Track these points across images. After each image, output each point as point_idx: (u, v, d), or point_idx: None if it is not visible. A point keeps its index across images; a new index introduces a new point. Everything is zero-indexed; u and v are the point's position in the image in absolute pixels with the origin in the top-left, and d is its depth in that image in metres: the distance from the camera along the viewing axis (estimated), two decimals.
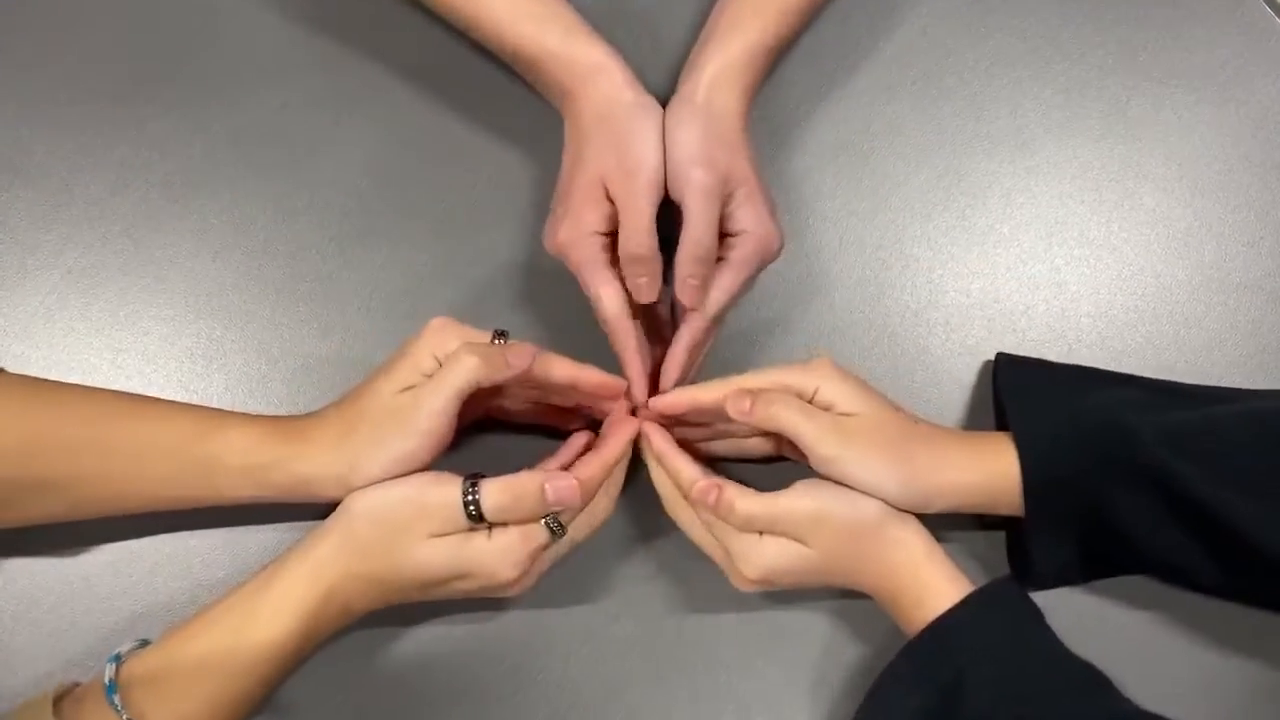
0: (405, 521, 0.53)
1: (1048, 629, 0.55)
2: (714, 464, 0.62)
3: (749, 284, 0.61)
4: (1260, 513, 0.54)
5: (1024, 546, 0.59)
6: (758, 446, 0.61)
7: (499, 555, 0.54)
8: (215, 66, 0.68)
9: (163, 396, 0.63)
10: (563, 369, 0.57)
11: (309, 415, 0.57)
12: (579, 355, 0.58)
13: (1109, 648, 0.56)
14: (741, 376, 0.58)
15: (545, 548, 0.55)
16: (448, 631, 0.61)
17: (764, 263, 0.60)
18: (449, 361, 0.54)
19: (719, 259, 0.59)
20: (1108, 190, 0.68)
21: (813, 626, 0.62)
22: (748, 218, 0.59)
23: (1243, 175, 0.68)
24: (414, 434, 0.53)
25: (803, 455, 0.56)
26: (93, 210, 0.66)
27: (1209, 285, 0.67)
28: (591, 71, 0.60)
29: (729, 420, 0.57)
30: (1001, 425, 0.63)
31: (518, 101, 0.67)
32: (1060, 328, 0.66)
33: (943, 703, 0.53)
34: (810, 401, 0.57)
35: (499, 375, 0.54)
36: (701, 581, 0.62)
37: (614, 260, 0.59)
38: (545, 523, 0.54)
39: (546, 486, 0.53)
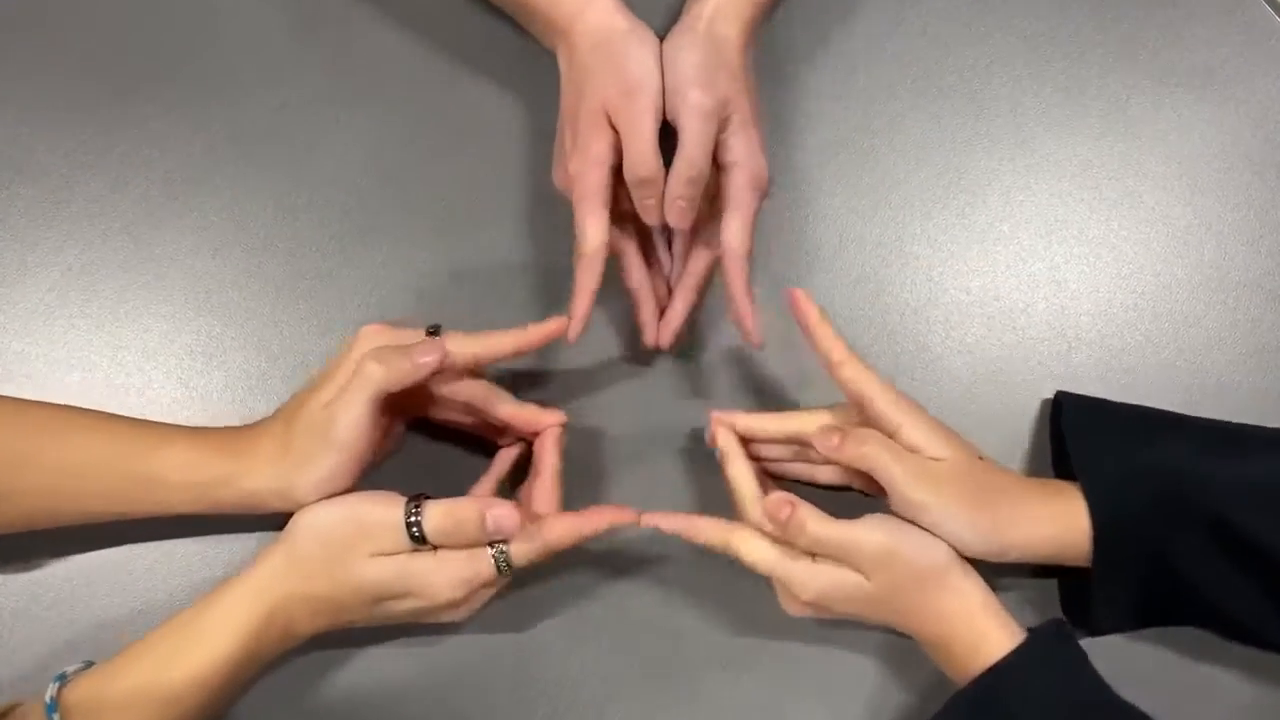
0: (349, 540, 0.53)
1: (1095, 673, 0.54)
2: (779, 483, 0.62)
3: (757, 217, 0.60)
4: None
5: (1084, 595, 0.58)
6: (828, 475, 0.61)
7: (442, 576, 0.53)
8: (215, 66, 0.68)
9: (161, 394, 0.63)
10: (497, 344, 0.56)
11: (252, 427, 0.57)
12: (582, 351, 0.58)
13: (1147, 687, 0.55)
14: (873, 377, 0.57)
15: (489, 582, 0.55)
16: (447, 630, 0.61)
17: (760, 196, 0.60)
18: (355, 372, 0.54)
19: (713, 196, 0.59)
20: (1107, 188, 0.68)
21: (813, 627, 0.61)
22: (740, 147, 0.59)
23: (1242, 174, 0.68)
24: (335, 448, 0.53)
25: (879, 490, 0.56)
26: (93, 207, 0.66)
27: (1208, 284, 0.67)
28: (582, 5, 0.60)
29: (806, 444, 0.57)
30: (1060, 463, 0.63)
31: (519, 99, 0.67)
32: (1060, 325, 0.66)
33: None
34: (892, 438, 0.56)
35: (409, 377, 0.54)
36: (702, 582, 0.62)
37: (616, 197, 0.59)
38: (494, 558, 0.54)
39: (486, 515, 0.53)
